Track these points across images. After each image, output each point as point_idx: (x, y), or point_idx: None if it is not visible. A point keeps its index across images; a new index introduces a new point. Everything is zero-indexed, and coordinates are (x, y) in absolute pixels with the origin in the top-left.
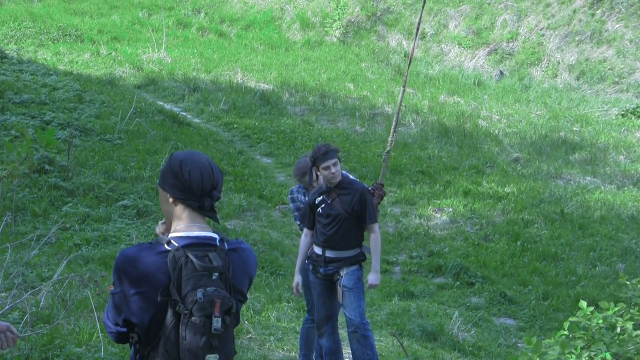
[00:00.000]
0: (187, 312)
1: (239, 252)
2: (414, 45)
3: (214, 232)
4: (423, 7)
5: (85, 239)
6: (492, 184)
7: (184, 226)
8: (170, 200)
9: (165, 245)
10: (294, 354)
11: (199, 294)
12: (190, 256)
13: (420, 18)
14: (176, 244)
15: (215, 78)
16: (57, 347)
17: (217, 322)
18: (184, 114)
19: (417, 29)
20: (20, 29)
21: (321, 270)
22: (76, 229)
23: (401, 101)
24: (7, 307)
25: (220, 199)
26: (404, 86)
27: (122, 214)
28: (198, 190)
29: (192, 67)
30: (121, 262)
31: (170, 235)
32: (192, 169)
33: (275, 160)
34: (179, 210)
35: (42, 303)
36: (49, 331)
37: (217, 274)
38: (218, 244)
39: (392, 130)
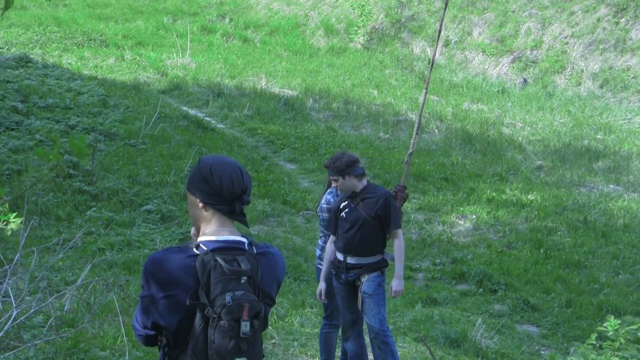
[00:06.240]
0: (215, 315)
1: (268, 256)
2: (437, 44)
3: (242, 236)
4: (446, 7)
5: (109, 243)
6: (516, 192)
7: (213, 230)
8: (200, 205)
9: (194, 249)
10: (317, 359)
11: (228, 297)
12: (219, 260)
13: (443, 18)
14: (205, 248)
15: (240, 84)
16: (82, 351)
17: (245, 326)
18: (208, 119)
19: (441, 27)
20: (45, 33)
21: (343, 276)
22: (101, 234)
23: (423, 103)
24: (32, 310)
25: (249, 203)
26: (426, 88)
27: (146, 218)
28: (229, 195)
29: (216, 72)
30: (150, 265)
31: (199, 239)
32: (222, 174)
33: (299, 166)
34: (209, 214)
35: (66, 307)
36: (74, 335)
37: (245, 277)
38: (247, 247)
39: (414, 133)
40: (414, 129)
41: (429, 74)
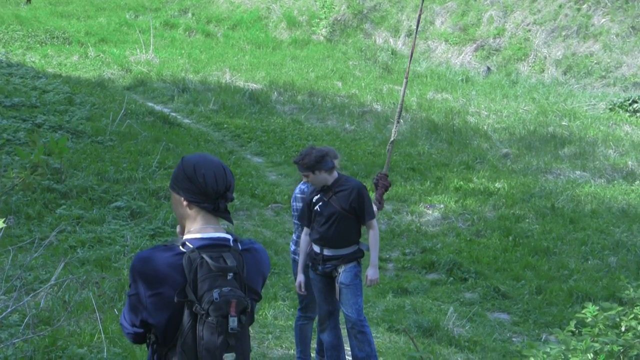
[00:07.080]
0: (203, 312)
1: (252, 252)
2: (415, 37)
3: (227, 232)
4: (422, 2)
5: (80, 240)
6: (483, 180)
7: (198, 228)
8: (185, 203)
9: (180, 247)
10: (292, 351)
11: (215, 294)
12: (205, 257)
13: (421, 11)
14: (191, 246)
15: (204, 78)
16: (60, 349)
17: (233, 322)
18: (174, 114)
19: (418, 22)
20: (7, 32)
21: (320, 268)
22: (72, 231)
23: (404, 92)
24: (9, 310)
25: (233, 200)
26: (406, 77)
27: (116, 215)
28: (213, 193)
29: (180, 67)
30: (137, 264)
31: (185, 237)
32: (206, 173)
33: (266, 160)
34: (194, 212)
35: (41, 305)
36: (51, 333)
37: (231, 274)
38: (232, 244)
39: (395, 122)
40: (395, 118)
41: (408, 65)
